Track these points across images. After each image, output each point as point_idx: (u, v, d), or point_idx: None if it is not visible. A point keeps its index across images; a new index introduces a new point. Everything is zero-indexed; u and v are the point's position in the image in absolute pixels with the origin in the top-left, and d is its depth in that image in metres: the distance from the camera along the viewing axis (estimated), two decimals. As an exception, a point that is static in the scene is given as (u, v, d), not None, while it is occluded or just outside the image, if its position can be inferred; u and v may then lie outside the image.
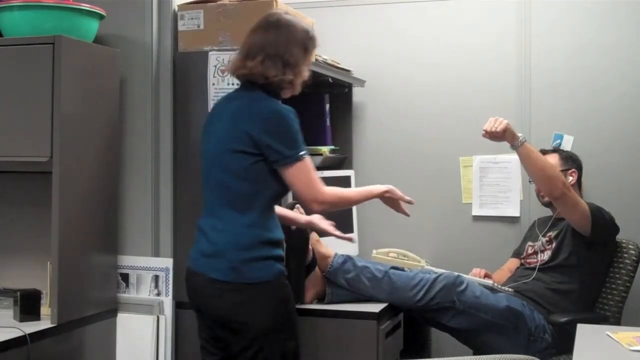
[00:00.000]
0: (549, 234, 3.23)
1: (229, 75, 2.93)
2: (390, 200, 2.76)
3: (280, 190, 2.46)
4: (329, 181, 3.55)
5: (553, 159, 3.26)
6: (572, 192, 3.04)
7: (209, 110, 2.99)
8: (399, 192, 2.75)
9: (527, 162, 3.02)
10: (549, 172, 3.02)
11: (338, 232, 2.75)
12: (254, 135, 2.36)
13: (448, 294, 2.92)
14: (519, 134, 3.01)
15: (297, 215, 2.80)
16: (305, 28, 2.51)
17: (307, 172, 2.42)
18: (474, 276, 3.25)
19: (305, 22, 2.55)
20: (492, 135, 3.00)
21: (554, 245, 3.18)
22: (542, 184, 3.09)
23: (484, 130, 3.01)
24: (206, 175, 2.50)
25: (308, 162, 2.42)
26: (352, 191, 2.76)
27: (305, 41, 2.49)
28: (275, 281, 2.41)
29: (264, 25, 2.49)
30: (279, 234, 2.47)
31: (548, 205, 3.32)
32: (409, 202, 2.77)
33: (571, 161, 3.29)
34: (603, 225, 3.06)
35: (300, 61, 2.48)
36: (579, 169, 3.30)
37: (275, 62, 2.42)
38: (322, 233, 2.97)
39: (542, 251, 3.22)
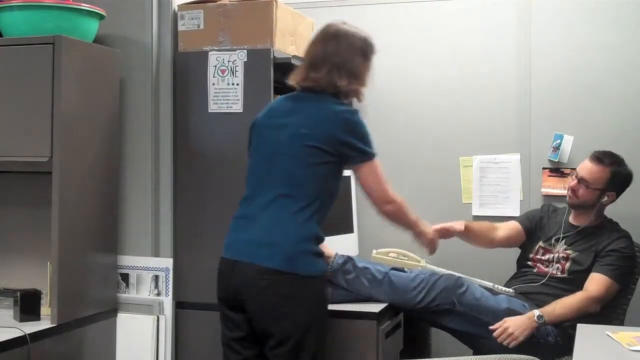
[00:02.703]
0: (567, 251, 3.14)
1: (230, 75, 2.95)
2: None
3: (336, 194, 2.61)
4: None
5: (602, 174, 3.08)
6: (603, 297, 2.98)
7: (209, 110, 3.01)
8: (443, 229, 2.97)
9: (561, 320, 2.96)
10: (579, 309, 2.95)
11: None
12: (337, 135, 2.47)
13: (448, 296, 2.92)
14: (535, 314, 2.92)
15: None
16: (363, 36, 2.61)
17: (379, 171, 2.58)
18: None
19: (362, 30, 2.64)
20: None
21: (569, 265, 3.11)
22: (580, 315, 2.95)
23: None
24: (261, 166, 2.56)
25: (379, 163, 2.57)
26: (412, 213, 2.76)
27: (364, 49, 2.60)
28: (321, 278, 2.51)
29: (323, 37, 2.60)
30: (323, 234, 2.56)
31: (576, 208, 3.19)
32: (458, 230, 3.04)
33: (616, 184, 3.10)
34: (631, 280, 3.11)
35: (363, 69, 2.59)
36: (622, 190, 3.13)
37: (341, 73, 2.53)
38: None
39: (557, 262, 3.14)
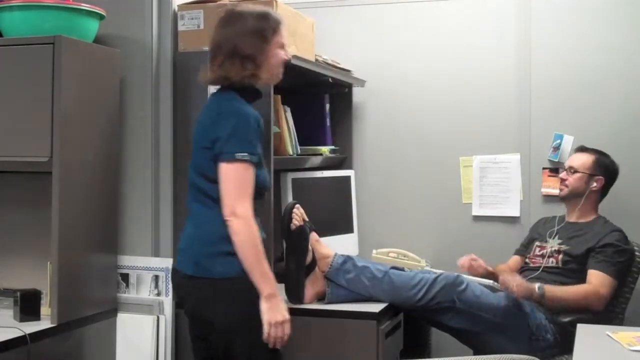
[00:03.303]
0: (559, 245, 3.21)
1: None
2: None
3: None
4: (329, 181, 3.60)
5: (588, 159, 3.25)
6: (606, 293, 3.02)
7: (209, 110, 3.01)
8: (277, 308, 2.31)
9: (557, 303, 3.01)
10: (580, 298, 3.01)
11: None
12: (210, 130, 2.33)
13: (448, 294, 2.92)
14: (536, 285, 2.98)
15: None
16: (257, 13, 2.40)
17: (240, 177, 2.29)
18: (461, 265, 3.24)
19: (260, 7, 2.45)
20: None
21: (561, 257, 3.18)
22: (581, 308, 3.01)
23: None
24: (188, 174, 2.49)
25: (248, 170, 2.29)
26: (264, 261, 2.31)
27: (260, 27, 2.38)
28: (239, 279, 2.30)
29: (218, 25, 2.43)
30: None
31: (568, 199, 3.28)
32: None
33: (603, 169, 3.23)
34: (629, 276, 3.15)
35: (261, 50, 2.38)
36: (609, 178, 3.24)
37: (234, 61, 2.36)
38: (322, 233, 2.98)
39: (550, 257, 3.21)
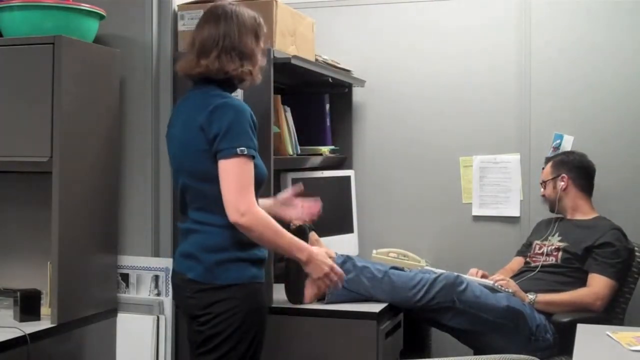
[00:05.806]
0: (559, 243, 3.24)
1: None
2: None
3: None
4: (329, 181, 3.60)
5: (547, 167, 3.38)
6: (606, 296, 3.07)
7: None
8: (324, 265, 2.44)
9: (552, 309, 3.07)
10: (576, 302, 3.07)
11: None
12: (204, 128, 2.27)
13: (448, 294, 2.93)
14: (529, 295, 3.08)
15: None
16: (252, 15, 2.44)
17: (241, 172, 2.24)
18: (471, 276, 3.25)
19: (250, 10, 2.47)
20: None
21: (561, 255, 3.21)
22: (579, 311, 3.04)
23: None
24: (175, 179, 2.47)
25: (248, 164, 2.26)
26: (285, 233, 2.37)
27: (255, 28, 2.42)
28: (249, 285, 2.33)
29: (211, 18, 2.40)
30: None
31: (551, 208, 3.37)
32: (334, 282, 2.49)
33: (560, 166, 3.32)
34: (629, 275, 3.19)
35: (255, 50, 2.41)
36: (572, 171, 3.30)
37: (232, 56, 2.35)
38: (322, 233, 2.98)
39: (549, 255, 3.24)
